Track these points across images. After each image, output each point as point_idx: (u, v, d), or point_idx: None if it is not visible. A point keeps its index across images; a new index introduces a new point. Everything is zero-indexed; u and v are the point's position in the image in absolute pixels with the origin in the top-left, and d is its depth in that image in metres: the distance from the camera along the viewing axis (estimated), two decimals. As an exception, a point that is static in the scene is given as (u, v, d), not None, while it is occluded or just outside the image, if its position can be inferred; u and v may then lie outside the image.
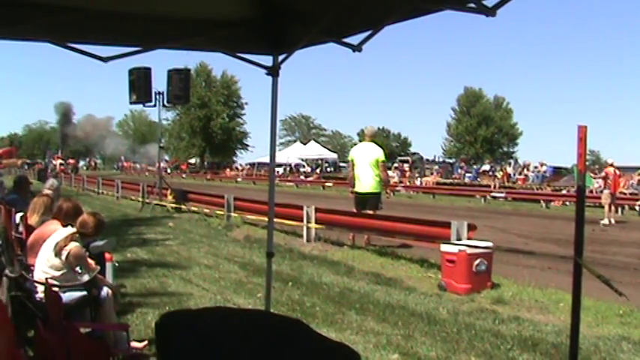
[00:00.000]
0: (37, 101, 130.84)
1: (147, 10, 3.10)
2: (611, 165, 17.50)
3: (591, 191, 21.35)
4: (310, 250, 9.67)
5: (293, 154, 46.55)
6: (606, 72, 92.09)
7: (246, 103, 61.82)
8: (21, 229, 6.07)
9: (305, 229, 10.61)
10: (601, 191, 17.91)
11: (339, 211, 10.94)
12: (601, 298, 6.15)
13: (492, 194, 25.84)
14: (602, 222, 15.99)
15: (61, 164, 50.00)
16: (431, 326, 5.32)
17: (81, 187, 28.61)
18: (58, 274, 4.14)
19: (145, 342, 4.47)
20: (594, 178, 22.90)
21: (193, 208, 15.74)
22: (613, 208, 17.13)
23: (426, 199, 26.54)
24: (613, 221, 16.33)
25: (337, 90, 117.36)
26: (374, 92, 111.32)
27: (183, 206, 16.15)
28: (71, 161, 53.86)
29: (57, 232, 4.41)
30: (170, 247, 10.02)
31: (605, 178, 17.14)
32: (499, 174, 33.15)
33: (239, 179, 42.99)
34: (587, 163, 3.11)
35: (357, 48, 3.21)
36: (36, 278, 4.13)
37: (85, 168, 63.82)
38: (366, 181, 9.88)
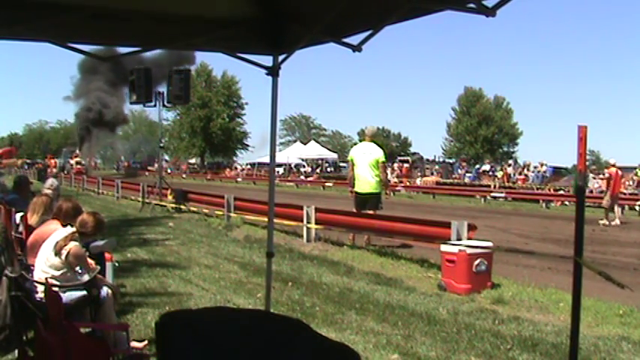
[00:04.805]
0: (37, 101, 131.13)
1: (147, 10, 3.10)
2: (613, 165, 17.43)
3: (591, 191, 21.34)
4: (310, 250, 9.67)
5: (293, 154, 46.55)
6: (606, 72, 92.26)
7: (246, 104, 61.93)
8: (21, 229, 6.09)
9: (305, 229, 10.61)
10: (601, 192, 17.87)
11: (339, 211, 10.94)
12: (601, 298, 6.16)
13: (492, 194, 25.83)
14: (613, 222, 16.00)
15: (78, 163, 47.46)
16: (431, 326, 5.32)
17: (81, 187, 28.62)
18: (57, 273, 4.15)
19: (145, 342, 4.47)
20: (594, 179, 22.87)
21: (193, 208, 15.74)
22: (617, 208, 17.07)
23: (426, 199, 26.54)
24: (614, 222, 16.29)
25: (337, 90, 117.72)
26: (374, 92, 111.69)
27: (183, 206, 16.15)
28: (72, 161, 52.73)
29: (57, 231, 4.41)
30: (170, 247, 10.02)
31: (608, 179, 17.07)
32: (499, 174, 33.10)
33: (239, 179, 42.99)
34: (587, 163, 3.12)
35: (357, 48, 3.21)
36: (36, 278, 4.14)
37: None
38: (366, 181, 9.87)
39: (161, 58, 30.55)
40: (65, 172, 42.00)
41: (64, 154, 54.08)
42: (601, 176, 21.85)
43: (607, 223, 16.03)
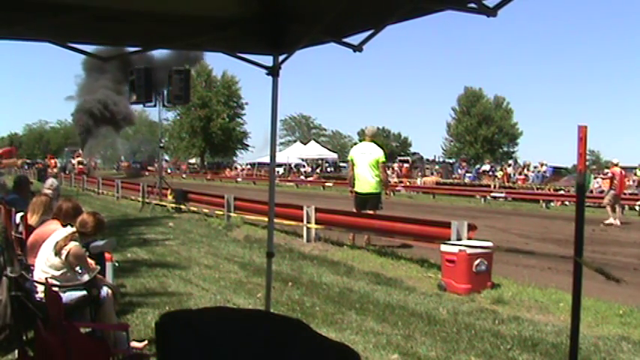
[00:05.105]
0: (37, 101, 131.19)
1: (147, 10, 3.10)
2: (616, 165, 17.36)
3: (591, 191, 21.31)
4: (310, 250, 9.67)
5: (293, 154, 46.56)
6: (606, 72, 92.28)
7: (246, 103, 61.92)
8: (21, 229, 6.08)
9: (305, 229, 10.61)
10: (601, 191, 17.82)
11: (339, 211, 10.94)
12: (601, 298, 6.16)
13: (492, 194, 25.81)
14: (612, 223, 15.95)
15: (80, 163, 45.88)
16: (431, 326, 5.32)
17: (81, 187, 28.61)
18: (57, 273, 4.15)
19: (145, 342, 4.47)
20: (595, 178, 22.84)
21: (193, 208, 15.74)
22: (618, 208, 16.99)
23: (426, 199, 26.54)
24: (614, 222, 16.25)
25: (337, 90, 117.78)
26: (374, 92, 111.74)
27: (183, 206, 16.15)
28: (74, 161, 51.69)
29: (57, 231, 4.41)
30: (170, 247, 10.02)
31: (611, 179, 17.02)
32: (499, 174, 33.13)
33: (239, 179, 42.98)
34: (587, 163, 3.12)
35: (357, 48, 3.21)
36: (36, 278, 4.13)
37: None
38: (366, 181, 9.87)
39: (169, 58, 30.37)
40: (67, 172, 41.17)
41: (66, 153, 52.89)
42: (601, 176, 21.82)
43: (612, 222, 15.94)
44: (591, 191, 21.41)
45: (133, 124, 60.06)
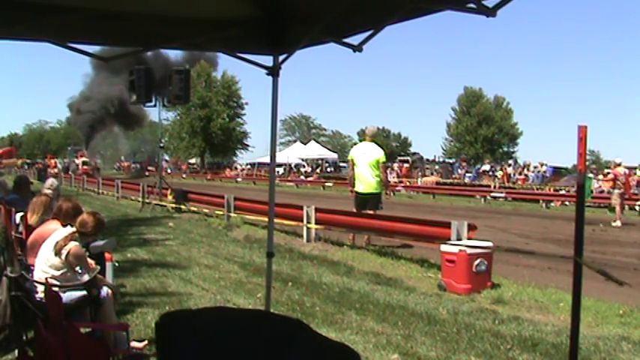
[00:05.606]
0: (37, 101, 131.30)
1: (147, 10, 3.10)
2: (619, 165, 17.28)
3: (591, 191, 21.27)
4: (310, 250, 9.67)
5: (293, 154, 46.54)
6: (606, 72, 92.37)
7: (246, 104, 61.88)
8: (21, 229, 6.09)
9: (305, 229, 10.61)
10: (601, 191, 17.76)
11: (339, 211, 10.93)
12: (601, 298, 6.16)
13: (492, 194, 25.82)
14: (613, 223, 15.89)
15: (84, 163, 44.82)
16: (431, 326, 5.32)
17: (81, 187, 28.61)
18: (57, 273, 4.15)
19: (145, 342, 4.47)
20: (594, 179, 22.81)
21: (193, 208, 15.74)
22: (619, 208, 16.94)
23: (426, 199, 26.53)
24: (615, 223, 16.22)
25: (337, 90, 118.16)
26: (374, 92, 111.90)
27: (183, 206, 16.15)
28: (77, 161, 50.87)
29: (57, 231, 4.41)
30: (170, 247, 10.02)
31: (614, 180, 16.94)
32: (499, 174, 33.14)
33: (239, 179, 42.97)
34: (587, 163, 3.12)
35: (357, 48, 3.21)
36: (36, 278, 4.14)
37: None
38: (366, 181, 9.87)
39: (182, 59, 30.21)
40: (69, 172, 39.99)
41: (69, 152, 51.93)
42: (601, 177, 21.77)
43: (620, 224, 15.87)
44: (592, 191, 21.37)
45: (141, 125, 59.32)
